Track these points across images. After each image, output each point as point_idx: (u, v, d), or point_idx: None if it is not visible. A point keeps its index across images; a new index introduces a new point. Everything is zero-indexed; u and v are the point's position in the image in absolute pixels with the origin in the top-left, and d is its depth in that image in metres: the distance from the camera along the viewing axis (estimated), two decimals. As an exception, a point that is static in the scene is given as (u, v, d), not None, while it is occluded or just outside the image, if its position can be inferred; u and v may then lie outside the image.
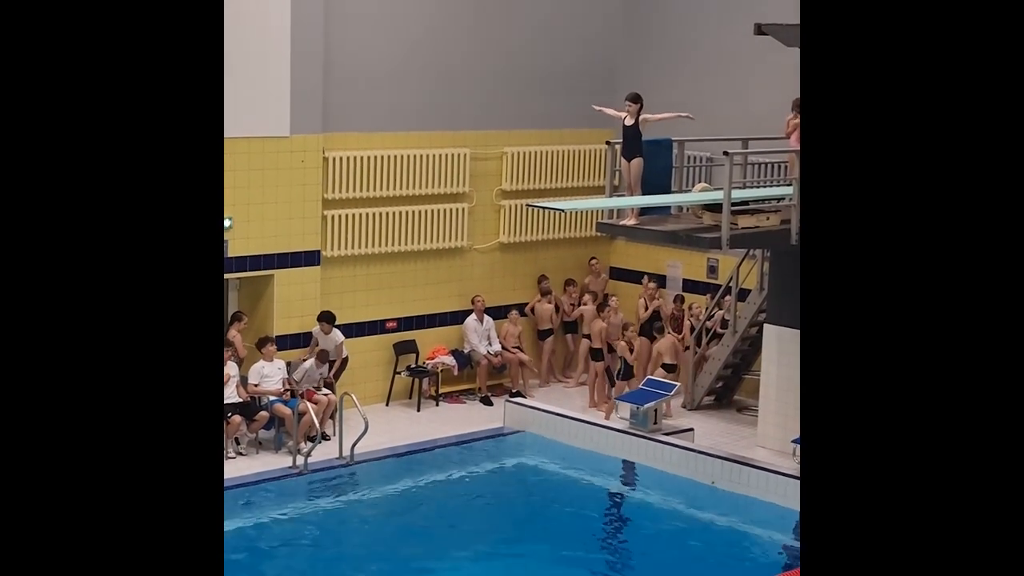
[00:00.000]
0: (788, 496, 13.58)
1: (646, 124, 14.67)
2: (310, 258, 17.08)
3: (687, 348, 18.41)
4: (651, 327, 18.51)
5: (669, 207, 15.77)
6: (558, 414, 16.53)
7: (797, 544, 12.33)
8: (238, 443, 15.72)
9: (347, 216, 17.38)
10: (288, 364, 16.38)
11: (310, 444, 15.40)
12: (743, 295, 18.01)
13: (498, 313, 18.86)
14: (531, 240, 19.42)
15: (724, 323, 18.21)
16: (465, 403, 18.42)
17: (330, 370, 16.58)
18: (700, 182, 16.97)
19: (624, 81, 18.88)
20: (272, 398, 15.93)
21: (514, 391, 18.39)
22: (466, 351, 18.49)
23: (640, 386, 16.75)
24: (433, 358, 18.24)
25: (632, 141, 14.73)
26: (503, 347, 18.66)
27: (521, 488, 15.65)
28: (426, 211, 18.16)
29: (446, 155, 18.28)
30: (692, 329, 18.44)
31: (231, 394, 15.42)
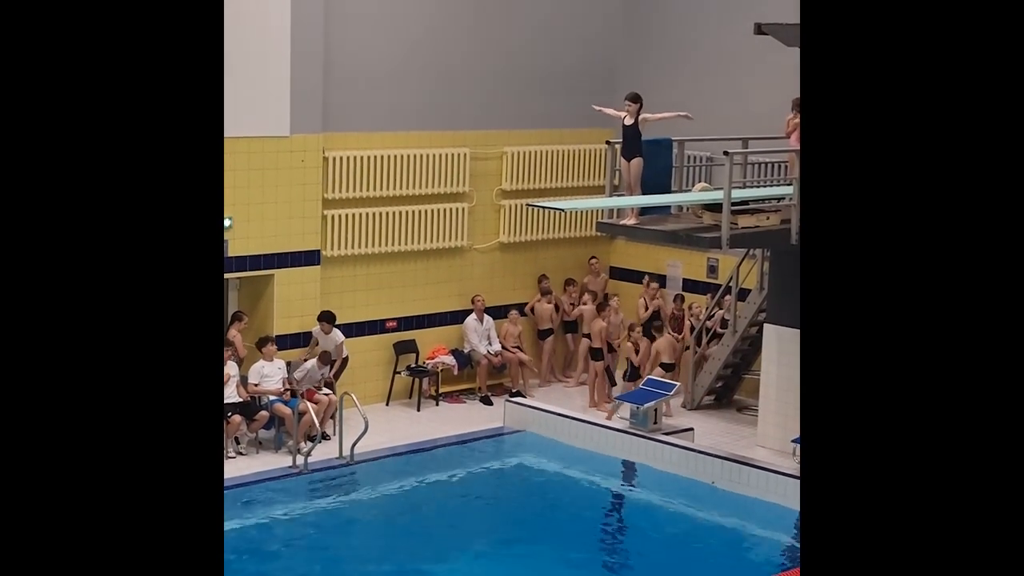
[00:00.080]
0: (788, 496, 13.58)
1: (646, 124, 14.67)
2: (310, 258, 17.08)
3: (687, 348, 18.41)
4: (650, 327, 18.54)
5: (669, 207, 15.77)
6: (558, 414, 16.53)
7: (797, 544, 12.33)
8: (238, 443, 15.72)
9: (347, 216, 17.38)
10: (288, 364, 16.38)
11: (310, 444, 15.40)
12: (743, 295, 18.01)
13: (498, 313, 18.86)
14: (531, 240, 19.42)
15: (724, 323, 18.21)
16: (465, 403, 18.42)
17: (330, 370, 16.58)
18: (700, 182, 16.97)
19: (624, 81, 18.88)
20: (272, 398, 15.93)
21: (514, 391, 18.39)
22: (466, 351, 18.49)
23: (640, 386, 16.75)
24: (433, 358, 18.24)
25: (632, 141, 14.73)
26: (503, 347, 18.66)
27: (521, 488, 15.65)
28: (426, 211, 18.16)
29: (446, 155, 18.28)
30: (692, 329, 18.45)
31: (231, 394, 15.42)
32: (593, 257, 19.92)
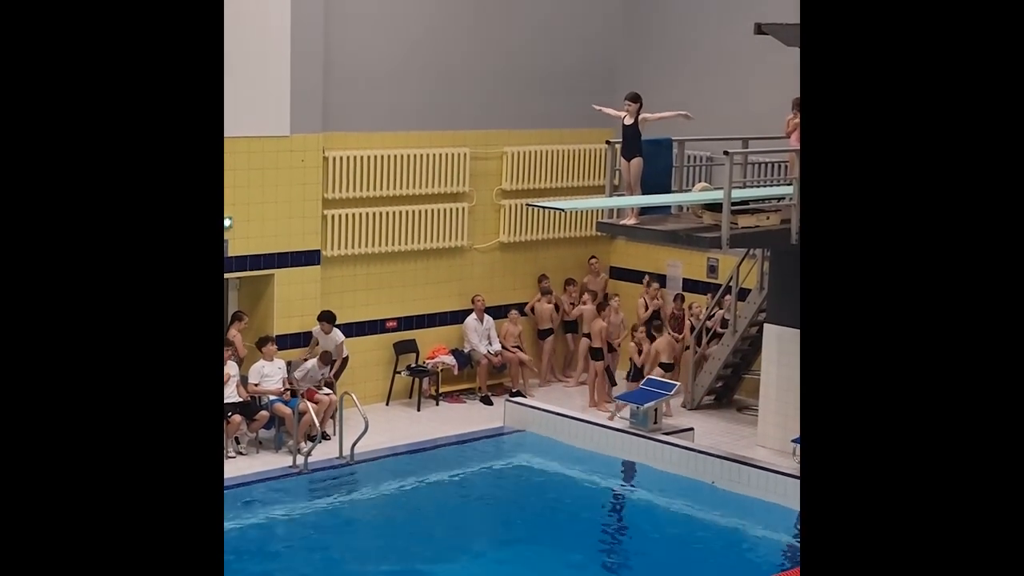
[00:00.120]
0: (788, 496, 13.58)
1: (645, 123, 14.67)
2: (310, 258, 17.08)
3: (687, 348, 18.41)
4: (650, 327, 18.54)
5: (669, 207, 15.77)
6: (558, 414, 16.53)
7: (797, 544, 12.33)
8: (238, 442, 15.72)
9: (347, 216, 17.38)
10: (288, 364, 16.38)
11: (310, 444, 15.40)
12: (743, 295, 18.01)
13: (498, 312, 18.86)
14: (531, 240, 19.42)
15: (724, 323, 18.21)
16: (465, 403, 18.42)
17: (331, 370, 16.58)
18: (700, 182, 16.97)
19: (624, 81, 18.88)
20: (272, 397, 15.93)
21: (514, 391, 18.39)
22: (466, 351, 18.49)
23: (640, 386, 16.76)
24: (433, 357, 18.24)
25: (631, 141, 14.73)
26: (503, 346, 18.66)
27: (521, 488, 15.64)
28: (426, 211, 18.16)
29: (446, 155, 18.28)
30: (692, 329, 18.45)
31: (231, 394, 15.42)
32: (593, 257, 19.92)
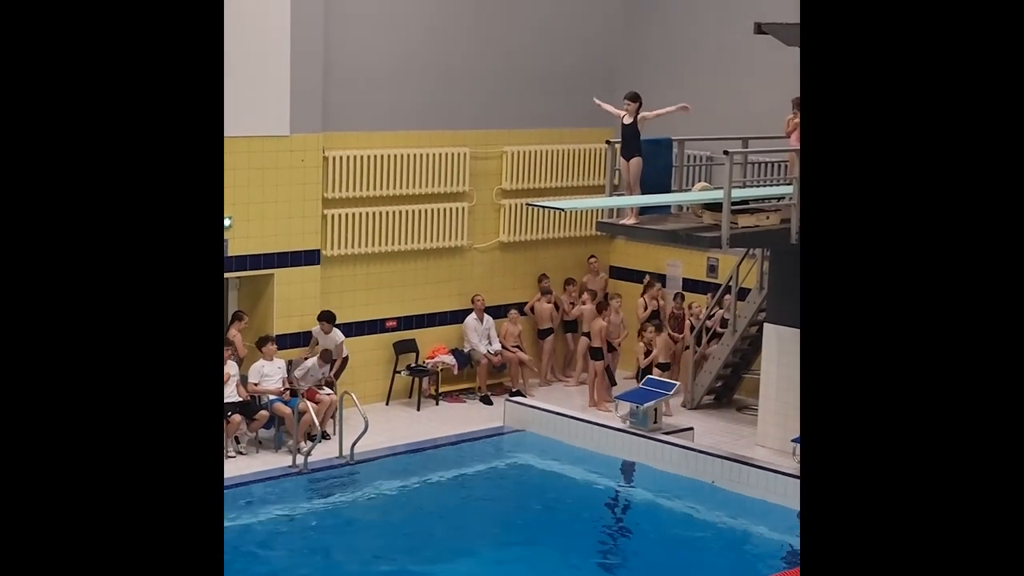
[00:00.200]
0: (788, 496, 13.58)
1: (645, 122, 14.66)
2: (310, 257, 17.08)
3: (687, 347, 18.42)
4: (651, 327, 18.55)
5: (669, 206, 15.77)
6: (558, 413, 16.53)
7: (797, 544, 12.33)
8: (238, 442, 15.72)
9: (347, 215, 17.38)
10: (288, 363, 16.39)
11: (310, 443, 15.40)
12: (743, 294, 18.01)
13: (498, 312, 18.87)
14: (531, 239, 19.42)
15: (724, 322, 18.22)
16: (465, 402, 18.42)
17: (330, 369, 16.58)
18: (700, 181, 16.98)
19: (624, 81, 18.86)
20: (272, 397, 15.93)
21: (514, 390, 18.39)
22: (466, 350, 18.49)
23: (640, 385, 16.76)
24: (433, 357, 18.24)
25: (631, 140, 14.73)
26: (503, 346, 18.66)
27: (521, 488, 15.65)
28: (426, 210, 18.16)
29: (446, 154, 18.28)
30: (692, 328, 18.45)
31: (231, 393, 15.43)
32: (593, 256, 19.93)
